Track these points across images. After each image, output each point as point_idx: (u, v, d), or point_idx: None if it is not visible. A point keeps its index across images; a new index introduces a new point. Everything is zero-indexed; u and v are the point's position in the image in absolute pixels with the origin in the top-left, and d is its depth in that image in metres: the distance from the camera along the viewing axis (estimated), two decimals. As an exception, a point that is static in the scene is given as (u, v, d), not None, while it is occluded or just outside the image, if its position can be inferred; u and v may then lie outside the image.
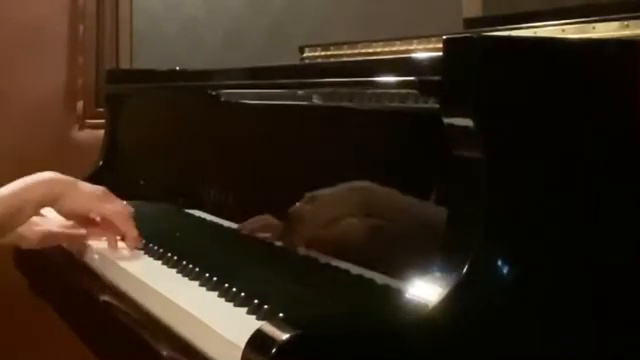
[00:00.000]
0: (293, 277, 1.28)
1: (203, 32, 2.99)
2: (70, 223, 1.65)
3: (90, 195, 1.59)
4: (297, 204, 1.41)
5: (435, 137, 1.05)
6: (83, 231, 1.63)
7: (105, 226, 1.60)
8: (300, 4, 2.96)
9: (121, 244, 1.58)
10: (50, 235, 1.65)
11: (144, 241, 1.57)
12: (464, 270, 0.97)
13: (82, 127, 2.70)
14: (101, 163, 2.25)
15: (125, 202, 1.65)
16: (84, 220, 1.62)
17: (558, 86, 1.03)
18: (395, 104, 1.17)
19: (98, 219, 1.61)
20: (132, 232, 1.57)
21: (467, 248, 0.98)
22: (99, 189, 1.61)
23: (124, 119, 2.26)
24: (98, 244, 1.62)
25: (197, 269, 1.33)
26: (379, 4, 2.72)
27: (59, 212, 1.61)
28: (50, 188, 1.55)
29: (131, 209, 1.63)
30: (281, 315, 1.04)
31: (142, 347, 1.26)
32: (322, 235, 1.36)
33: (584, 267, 1.02)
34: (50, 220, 1.68)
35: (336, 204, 1.34)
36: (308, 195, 1.39)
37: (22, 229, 1.60)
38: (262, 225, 1.54)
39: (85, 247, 1.64)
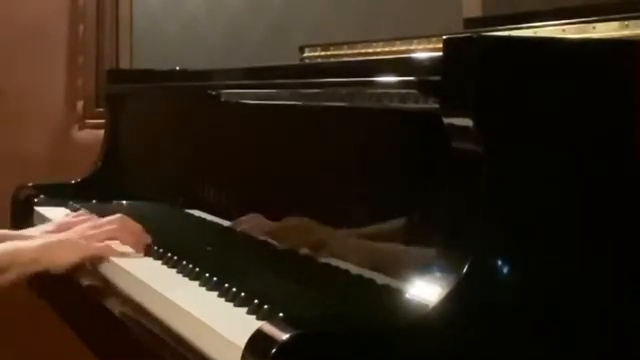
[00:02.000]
0: (293, 277, 1.28)
1: (203, 31, 2.99)
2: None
3: (78, 242, 1.54)
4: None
5: (435, 137, 1.05)
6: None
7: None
8: (300, 4, 2.96)
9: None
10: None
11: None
12: (464, 270, 0.97)
13: (82, 127, 2.71)
14: (101, 163, 2.25)
15: (116, 215, 1.61)
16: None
17: (558, 86, 1.03)
18: (395, 104, 1.17)
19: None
20: (137, 239, 1.54)
21: (467, 248, 0.98)
22: (82, 228, 1.57)
23: (124, 119, 2.26)
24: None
25: (197, 269, 1.33)
26: (379, 4, 2.72)
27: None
28: (40, 254, 1.51)
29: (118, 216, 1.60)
30: (281, 315, 1.04)
31: (142, 347, 1.26)
32: (322, 237, 1.36)
33: (584, 267, 1.02)
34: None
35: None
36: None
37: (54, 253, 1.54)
38: (255, 223, 1.54)
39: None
